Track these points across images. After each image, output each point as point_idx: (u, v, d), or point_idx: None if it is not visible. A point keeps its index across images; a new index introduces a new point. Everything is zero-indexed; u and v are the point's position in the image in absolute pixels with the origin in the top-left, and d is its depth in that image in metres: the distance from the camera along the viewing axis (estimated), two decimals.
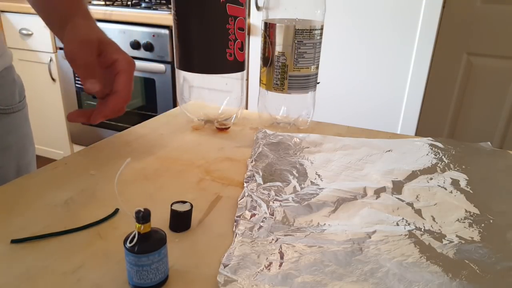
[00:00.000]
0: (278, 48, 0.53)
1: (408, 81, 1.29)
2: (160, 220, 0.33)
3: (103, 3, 1.80)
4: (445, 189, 0.41)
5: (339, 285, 0.27)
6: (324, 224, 0.34)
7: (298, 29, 0.51)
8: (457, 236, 0.33)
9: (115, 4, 1.83)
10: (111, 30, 1.65)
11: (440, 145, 0.51)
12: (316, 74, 0.55)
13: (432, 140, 0.52)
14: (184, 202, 0.33)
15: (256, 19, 1.42)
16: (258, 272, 0.27)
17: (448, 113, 1.69)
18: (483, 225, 0.35)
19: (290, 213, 0.35)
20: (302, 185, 0.40)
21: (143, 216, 0.25)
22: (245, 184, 0.39)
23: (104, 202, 0.36)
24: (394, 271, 0.28)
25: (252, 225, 0.33)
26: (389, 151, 0.49)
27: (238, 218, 0.33)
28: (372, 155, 0.48)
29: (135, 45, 1.63)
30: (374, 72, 1.33)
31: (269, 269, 0.28)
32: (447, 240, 0.33)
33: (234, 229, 0.32)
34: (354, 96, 1.38)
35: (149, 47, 1.61)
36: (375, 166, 0.45)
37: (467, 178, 0.43)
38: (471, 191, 0.41)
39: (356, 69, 1.35)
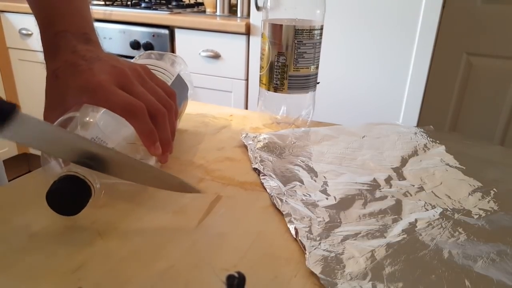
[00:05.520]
0: (278, 48, 0.53)
1: (408, 81, 1.29)
2: (159, 221, 0.33)
3: (103, 3, 1.80)
4: (439, 168, 0.44)
5: (423, 272, 0.28)
6: (366, 218, 0.34)
7: (298, 29, 0.51)
8: (479, 209, 0.36)
9: (115, 4, 1.83)
10: (111, 30, 1.65)
11: (403, 129, 0.54)
12: (316, 74, 0.55)
13: (395, 124, 0.56)
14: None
15: (256, 19, 1.42)
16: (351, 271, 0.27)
17: (448, 114, 1.69)
18: (491, 195, 0.38)
19: (331, 210, 0.35)
20: (318, 181, 0.40)
21: (238, 285, 0.24)
22: (268, 190, 0.38)
23: (104, 201, 0.36)
24: (455, 251, 0.30)
25: (307, 228, 0.32)
26: (364, 136, 0.52)
27: (291, 225, 0.33)
28: (353, 142, 0.50)
29: (135, 45, 1.62)
30: (373, 72, 1.33)
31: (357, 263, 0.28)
32: (475, 214, 0.35)
33: (296, 237, 0.31)
34: (354, 97, 1.38)
35: (149, 47, 1.61)
36: (363, 154, 0.47)
37: (451, 154, 0.46)
38: (462, 166, 0.44)
39: (355, 69, 1.35)
